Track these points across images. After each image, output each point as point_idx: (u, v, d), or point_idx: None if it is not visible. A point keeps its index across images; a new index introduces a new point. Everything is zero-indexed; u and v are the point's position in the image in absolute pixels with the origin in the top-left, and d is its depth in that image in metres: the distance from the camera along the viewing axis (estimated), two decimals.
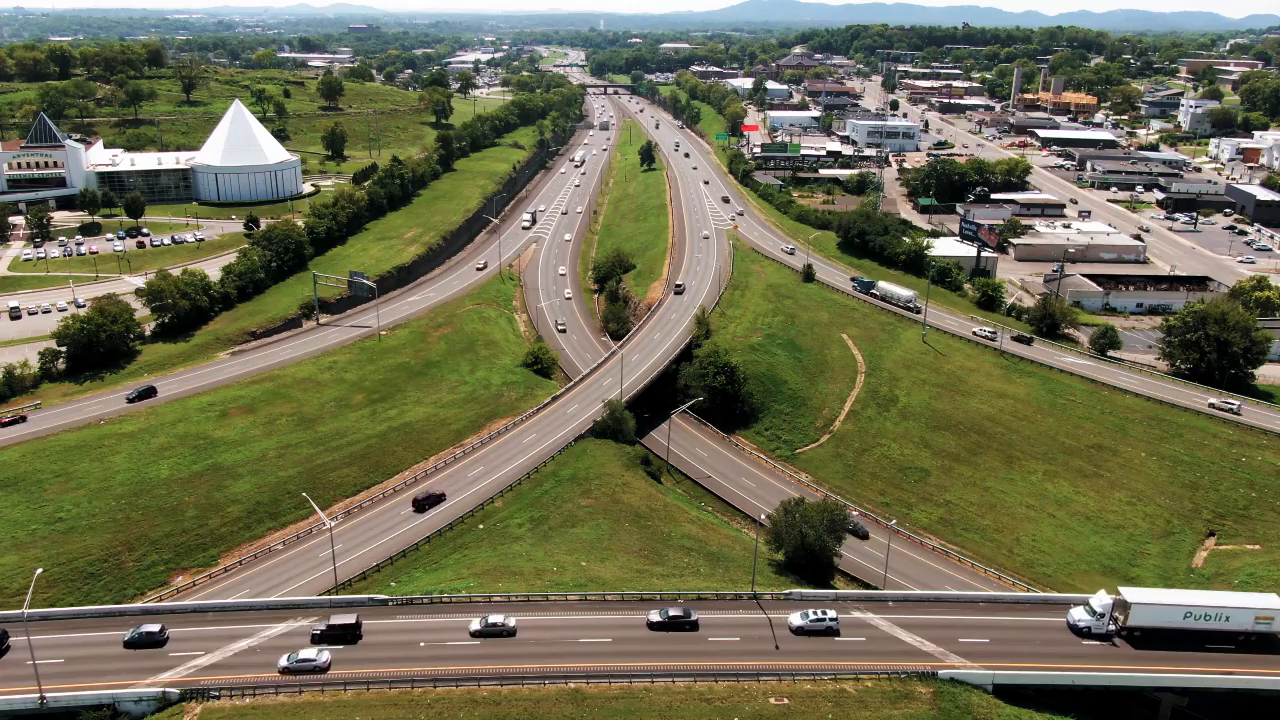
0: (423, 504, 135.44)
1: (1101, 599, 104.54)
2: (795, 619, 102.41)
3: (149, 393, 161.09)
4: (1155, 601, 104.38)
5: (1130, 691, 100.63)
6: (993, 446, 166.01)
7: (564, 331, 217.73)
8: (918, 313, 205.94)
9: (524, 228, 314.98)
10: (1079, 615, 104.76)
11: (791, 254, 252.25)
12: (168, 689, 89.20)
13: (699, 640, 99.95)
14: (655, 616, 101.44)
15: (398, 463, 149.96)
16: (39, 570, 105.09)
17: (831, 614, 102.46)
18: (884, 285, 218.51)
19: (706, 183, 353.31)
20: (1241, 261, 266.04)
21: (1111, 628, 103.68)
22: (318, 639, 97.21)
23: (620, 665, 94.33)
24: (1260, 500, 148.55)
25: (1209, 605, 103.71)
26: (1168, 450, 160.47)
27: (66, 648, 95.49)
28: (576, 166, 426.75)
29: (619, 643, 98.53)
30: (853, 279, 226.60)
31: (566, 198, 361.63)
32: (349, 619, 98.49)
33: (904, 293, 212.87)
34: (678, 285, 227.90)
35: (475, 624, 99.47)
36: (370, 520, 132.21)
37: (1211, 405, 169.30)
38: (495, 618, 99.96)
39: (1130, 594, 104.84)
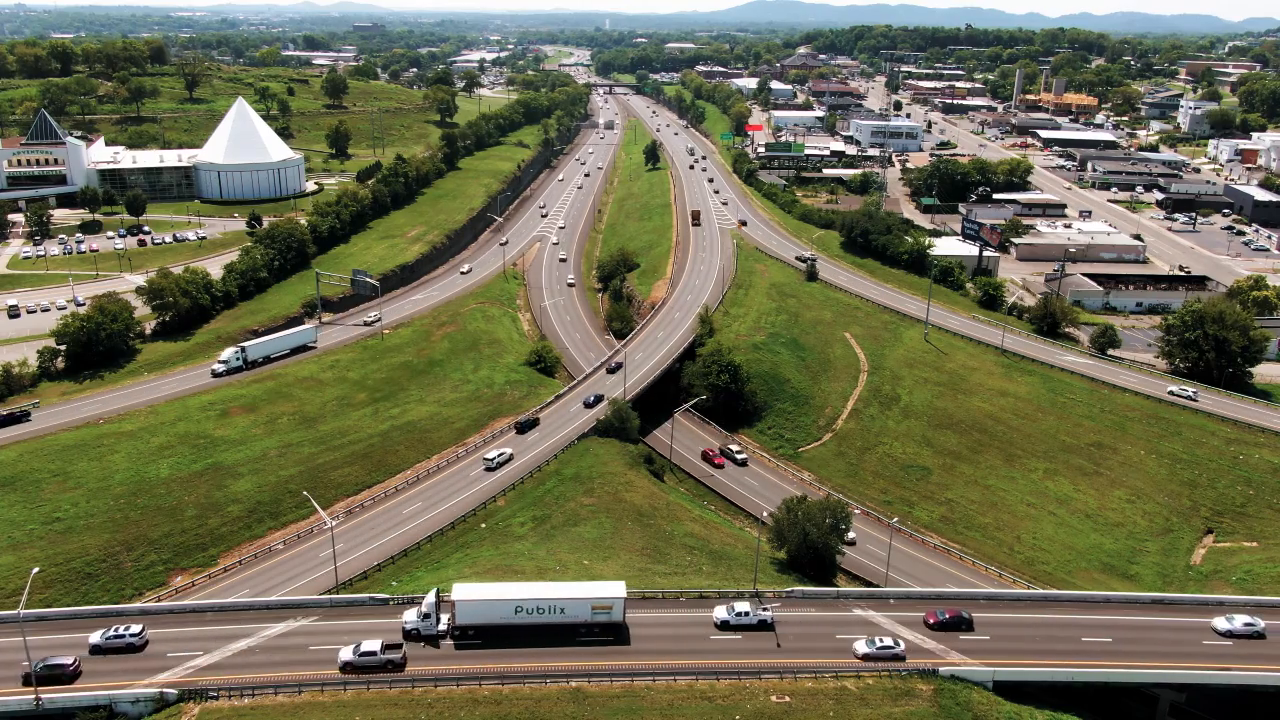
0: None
1: (429, 598, 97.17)
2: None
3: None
4: (480, 597, 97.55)
5: (1130, 688, 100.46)
6: (994, 445, 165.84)
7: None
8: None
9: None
10: (408, 616, 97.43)
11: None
12: (165, 689, 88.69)
13: (699, 639, 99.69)
14: None
15: (400, 462, 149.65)
16: (35, 570, 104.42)
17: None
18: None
19: (711, 181, 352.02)
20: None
21: (442, 628, 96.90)
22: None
23: (621, 664, 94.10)
24: (1257, 498, 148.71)
25: (540, 598, 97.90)
26: (1166, 448, 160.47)
27: (63, 649, 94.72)
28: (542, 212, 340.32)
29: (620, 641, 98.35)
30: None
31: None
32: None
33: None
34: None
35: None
36: (372, 519, 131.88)
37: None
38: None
39: (456, 590, 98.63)
